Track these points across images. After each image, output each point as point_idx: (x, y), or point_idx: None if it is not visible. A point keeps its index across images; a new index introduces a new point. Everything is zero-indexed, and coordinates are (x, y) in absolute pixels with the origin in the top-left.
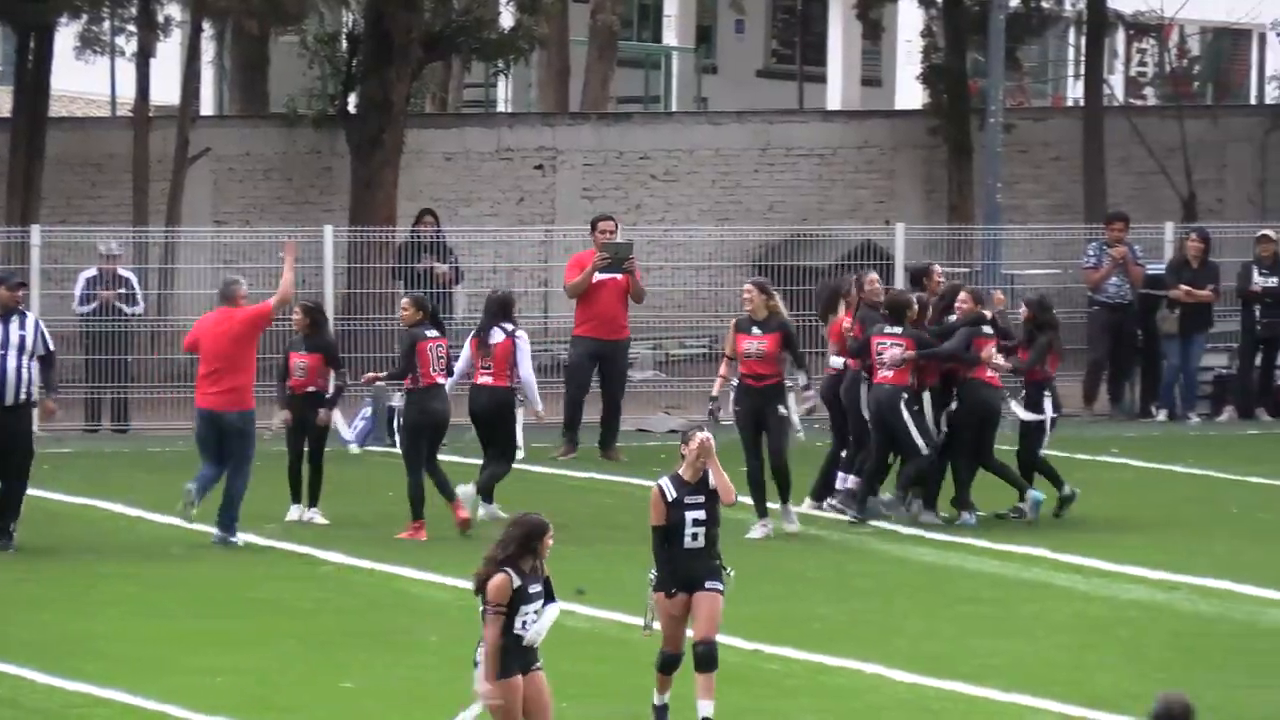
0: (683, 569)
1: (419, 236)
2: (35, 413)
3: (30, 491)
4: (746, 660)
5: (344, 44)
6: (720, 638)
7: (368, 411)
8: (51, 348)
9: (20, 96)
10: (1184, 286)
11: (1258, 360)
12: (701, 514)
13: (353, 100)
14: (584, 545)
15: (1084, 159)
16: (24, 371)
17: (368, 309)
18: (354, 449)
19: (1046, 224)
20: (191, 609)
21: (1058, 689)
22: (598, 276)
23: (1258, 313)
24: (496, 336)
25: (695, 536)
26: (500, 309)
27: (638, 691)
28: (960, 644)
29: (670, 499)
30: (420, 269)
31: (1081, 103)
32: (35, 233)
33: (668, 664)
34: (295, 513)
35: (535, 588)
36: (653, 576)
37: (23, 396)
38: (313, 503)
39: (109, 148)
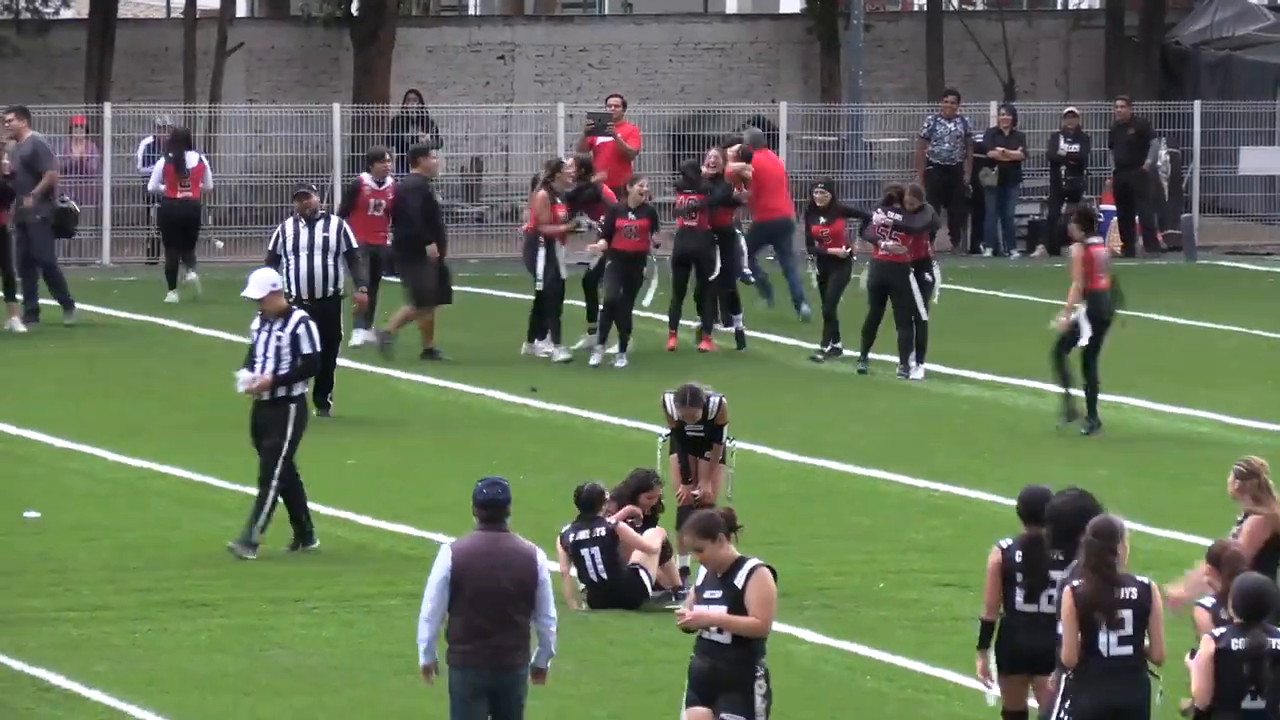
0: (689, 446)
1: (406, 112)
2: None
3: (100, 310)
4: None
5: None
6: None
7: None
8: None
9: (95, 2)
10: (1000, 149)
11: (1063, 209)
12: (700, 431)
13: (355, 4)
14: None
15: (927, 52)
16: (330, 269)
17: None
18: None
19: (897, 103)
20: (221, 406)
21: (906, 466)
22: (599, 140)
23: (1063, 172)
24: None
25: (697, 436)
26: None
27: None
28: (835, 430)
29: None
30: (408, 137)
31: (925, 7)
32: (107, 109)
33: (682, 513)
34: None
35: None
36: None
37: (332, 289)
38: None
39: (165, 43)
